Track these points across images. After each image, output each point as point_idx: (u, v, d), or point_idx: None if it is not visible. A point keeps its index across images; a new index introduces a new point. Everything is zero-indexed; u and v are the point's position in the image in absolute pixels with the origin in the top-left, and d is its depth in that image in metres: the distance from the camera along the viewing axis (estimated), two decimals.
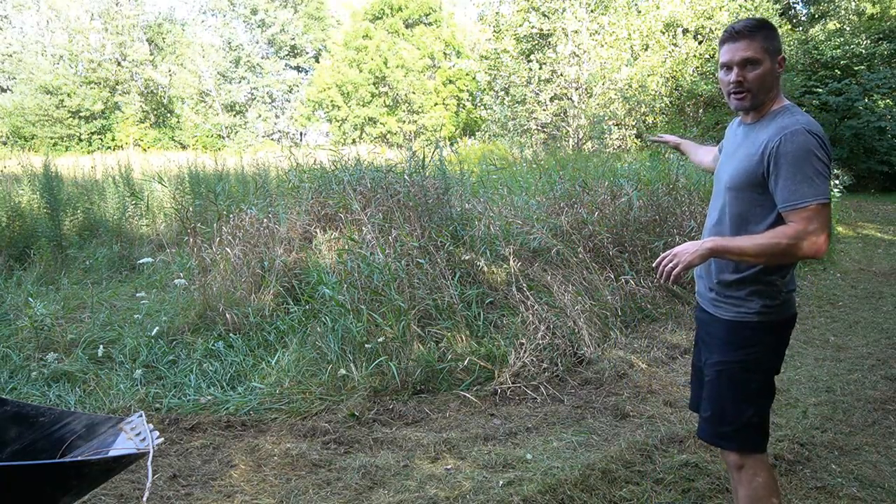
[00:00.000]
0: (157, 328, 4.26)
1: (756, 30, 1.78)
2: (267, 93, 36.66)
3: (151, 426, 1.82)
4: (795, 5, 21.63)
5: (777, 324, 1.88)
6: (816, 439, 3.09)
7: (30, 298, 4.52)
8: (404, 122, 32.26)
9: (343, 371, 3.59)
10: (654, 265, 1.84)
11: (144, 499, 2.51)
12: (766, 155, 1.72)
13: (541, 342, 3.96)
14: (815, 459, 2.90)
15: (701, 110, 17.82)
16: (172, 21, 36.03)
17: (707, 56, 17.06)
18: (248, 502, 2.57)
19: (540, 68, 17.43)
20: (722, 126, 16.41)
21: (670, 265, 1.77)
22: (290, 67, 38.78)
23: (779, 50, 1.81)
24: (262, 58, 36.95)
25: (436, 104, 32.38)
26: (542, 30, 17.66)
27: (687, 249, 1.76)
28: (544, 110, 17.52)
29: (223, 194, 6.91)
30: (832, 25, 18.81)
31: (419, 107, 32.22)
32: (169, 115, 34.57)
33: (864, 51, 17.25)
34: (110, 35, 33.08)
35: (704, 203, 6.23)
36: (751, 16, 16.41)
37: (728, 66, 1.82)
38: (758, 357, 1.87)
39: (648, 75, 16.68)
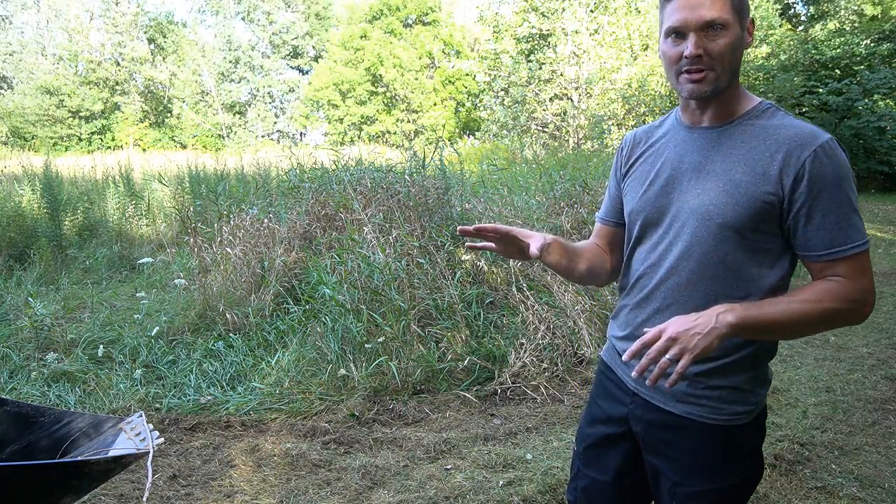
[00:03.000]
0: (157, 328, 4.26)
1: None
2: (268, 93, 36.67)
3: (151, 426, 1.82)
4: (795, 5, 21.64)
5: (763, 412, 1.31)
6: (816, 439, 3.09)
7: (30, 298, 4.52)
8: (404, 121, 32.27)
9: (343, 371, 3.59)
10: (624, 359, 1.16)
11: (144, 499, 2.51)
12: (792, 177, 1.14)
13: (541, 342, 3.96)
14: (815, 459, 2.90)
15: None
16: (172, 22, 36.02)
17: None
18: (248, 502, 2.57)
19: (540, 68, 17.45)
20: None
21: (669, 357, 1.08)
22: (291, 68, 38.81)
23: (747, 10, 1.22)
24: (264, 57, 36.96)
25: (435, 104, 32.39)
26: (541, 30, 17.67)
27: (694, 329, 1.09)
28: (544, 110, 17.53)
29: (224, 194, 6.91)
30: (832, 25, 18.81)
31: (418, 106, 32.24)
32: (169, 114, 34.59)
33: (864, 51, 17.26)
34: (109, 34, 33.09)
35: None
36: (751, 15, 16.39)
37: (679, 32, 1.19)
38: (756, 471, 1.30)
39: (648, 75, 16.69)
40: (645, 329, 1.17)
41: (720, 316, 1.10)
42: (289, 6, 37.46)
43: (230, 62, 35.53)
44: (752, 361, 1.24)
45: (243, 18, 37.53)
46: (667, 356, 1.09)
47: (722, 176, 1.21)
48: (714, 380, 1.23)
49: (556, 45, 17.47)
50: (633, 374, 1.14)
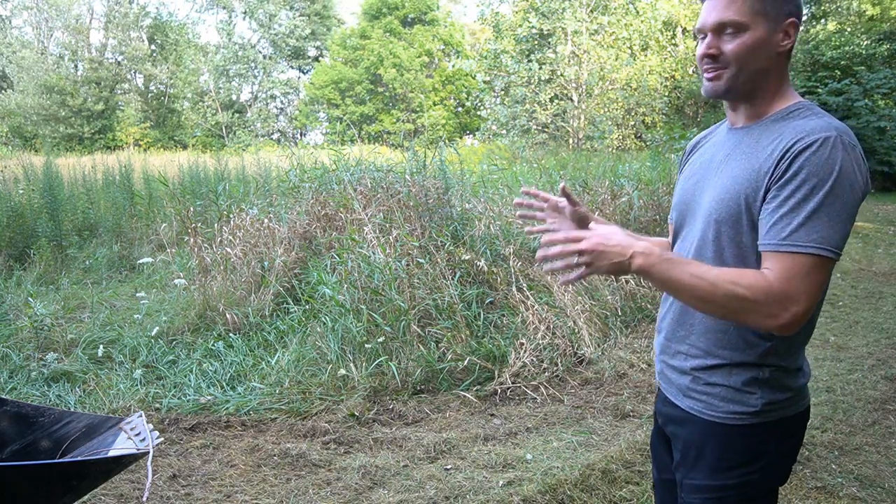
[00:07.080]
0: (156, 328, 4.27)
1: None
2: (270, 94, 36.68)
3: (151, 426, 1.82)
4: None
5: (787, 421, 1.25)
6: (816, 439, 3.09)
7: (30, 298, 4.52)
8: (404, 121, 32.26)
9: (343, 371, 3.59)
10: (544, 241, 1.17)
11: (144, 499, 2.52)
12: (776, 164, 1.13)
13: (541, 342, 3.96)
14: (815, 459, 2.90)
15: (700, 110, 17.83)
16: (173, 23, 36.01)
17: None
18: (248, 502, 2.57)
19: (540, 68, 17.46)
20: None
21: (577, 259, 1.13)
22: (292, 68, 38.82)
23: (787, 12, 1.18)
24: (265, 58, 36.96)
25: (435, 104, 32.38)
26: (541, 30, 17.68)
27: (608, 255, 1.13)
28: (544, 110, 17.53)
29: (224, 194, 6.91)
30: (832, 26, 18.83)
31: (417, 106, 32.22)
32: (169, 114, 34.59)
33: (864, 51, 17.26)
34: (110, 33, 33.10)
35: None
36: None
37: (702, 34, 1.23)
38: (762, 476, 1.24)
39: (648, 75, 16.71)
40: (664, 325, 1.34)
41: (635, 258, 1.12)
42: (290, 5, 37.44)
43: (231, 61, 35.52)
44: (755, 364, 1.22)
45: (245, 17, 37.53)
46: (574, 260, 1.13)
47: (734, 175, 1.21)
48: (713, 377, 1.25)
49: (556, 46, 17.48)
50: (538, 254, 1.17)
